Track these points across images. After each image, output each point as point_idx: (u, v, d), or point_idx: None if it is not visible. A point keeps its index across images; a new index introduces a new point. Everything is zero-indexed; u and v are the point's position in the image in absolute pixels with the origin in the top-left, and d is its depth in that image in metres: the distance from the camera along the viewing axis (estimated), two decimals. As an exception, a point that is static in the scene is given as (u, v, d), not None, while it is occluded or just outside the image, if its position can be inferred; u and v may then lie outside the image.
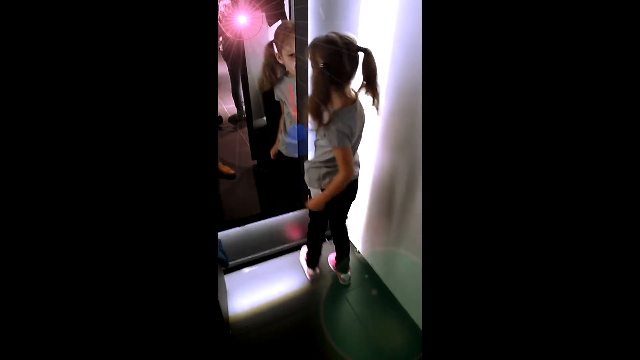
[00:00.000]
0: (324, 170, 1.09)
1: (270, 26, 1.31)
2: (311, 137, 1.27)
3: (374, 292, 1.41)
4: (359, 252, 1.60)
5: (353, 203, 1.22)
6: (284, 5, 1.27)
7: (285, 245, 1.61)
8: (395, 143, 1.16)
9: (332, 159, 1.04)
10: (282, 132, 1.36)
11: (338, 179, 1.02)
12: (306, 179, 1.17)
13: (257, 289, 1.40)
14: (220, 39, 1.26)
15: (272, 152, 1.42)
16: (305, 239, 1.43)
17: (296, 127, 1.28)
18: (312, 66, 0.94)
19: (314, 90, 0.93)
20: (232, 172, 1.43)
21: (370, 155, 1.30)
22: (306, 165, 1.16)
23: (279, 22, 1.23)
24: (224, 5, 1.20)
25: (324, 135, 0.98)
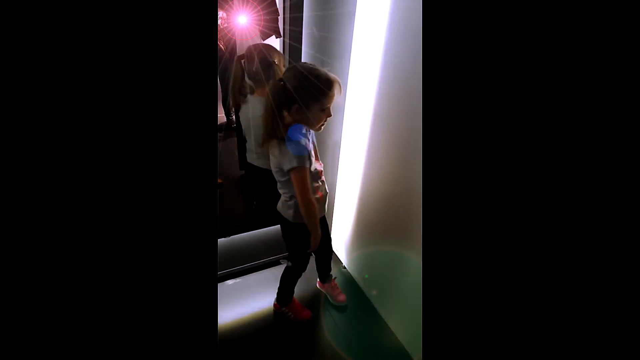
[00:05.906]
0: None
1: (263, 40, 1.36)
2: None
3: (358, 306, 1.39)
4: (344, 268, 1.58)
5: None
6: (277, 21, 1.33)
7: (271, 258, 1.58)
8: (387, 149, 1.19)
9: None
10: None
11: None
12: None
13: (240, 302, 1.36)
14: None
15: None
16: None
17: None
18: None
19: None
20: (220, 181, 1.42)
21: (358, 162, 1.33)
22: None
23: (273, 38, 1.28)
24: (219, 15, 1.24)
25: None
